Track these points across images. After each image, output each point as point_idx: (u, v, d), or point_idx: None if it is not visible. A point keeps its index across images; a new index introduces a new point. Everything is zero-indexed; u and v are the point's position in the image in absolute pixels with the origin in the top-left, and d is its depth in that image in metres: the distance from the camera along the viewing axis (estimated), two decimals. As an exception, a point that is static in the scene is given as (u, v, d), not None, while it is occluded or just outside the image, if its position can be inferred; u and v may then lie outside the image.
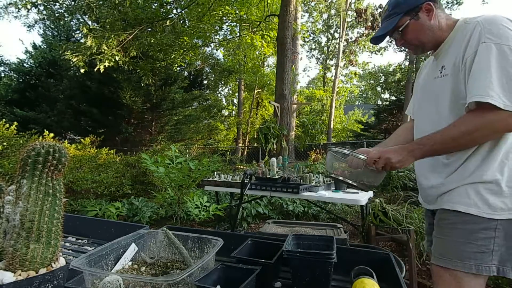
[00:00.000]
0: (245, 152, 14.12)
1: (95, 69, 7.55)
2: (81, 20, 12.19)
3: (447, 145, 0.97)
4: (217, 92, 19.45)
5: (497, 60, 0.89)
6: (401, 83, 14.66)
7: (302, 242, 0.74)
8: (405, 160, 1.00)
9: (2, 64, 17.39)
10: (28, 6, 7.74)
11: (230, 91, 21.23)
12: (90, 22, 9.60)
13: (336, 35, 20.11)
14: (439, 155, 1.04)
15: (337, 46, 17.74)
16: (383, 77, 18.48)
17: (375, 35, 1.16)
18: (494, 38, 0.90)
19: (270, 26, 10.12)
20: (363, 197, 2.52)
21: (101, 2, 8.07)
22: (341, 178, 1.15)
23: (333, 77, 17.63)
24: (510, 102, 0.86)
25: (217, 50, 15.77)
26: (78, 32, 14.31)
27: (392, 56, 65.72)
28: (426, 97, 1.15)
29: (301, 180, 2.78)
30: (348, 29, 18.52)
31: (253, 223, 4.47)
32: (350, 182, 1.12)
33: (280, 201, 4.78)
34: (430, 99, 1.11)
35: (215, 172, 3.56)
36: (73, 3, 8.77)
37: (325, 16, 20.47)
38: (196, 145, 11.33)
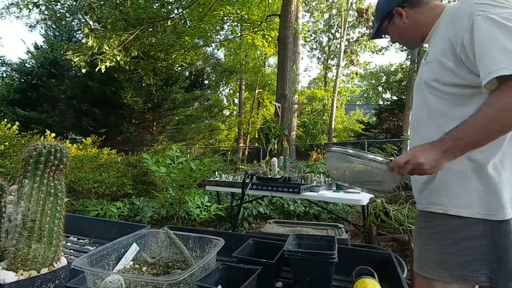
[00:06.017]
0: (246, 152, 14.12)
1: (97, 69, 7.55)
2: (83, 20, 12.22)
3: (489, 129, 0.79)
4: (218, 92, 19.44)
5: (500, 28, 0.79)
6: (403, 83, 14.62)
7: (303, 242, 0.74)
8: (439, 165, 0.85)
9: (4, 64, 17.45)
10: (30, 6, 7.76)
11: (231, 91, 21.22)
12: (91, 22, 9.61)
13: (337, 35, 20.09)
14: (475, 148, 0.85)
15: (338, 46, 17.71)
16: (385, 77, 18.43)
17: (370, 35, 1.18)
18: (487, 9, 0.82)
19: (271, 26, 10.10)
20: (364, 197, 2.52)
21: (102, 2, 8.08)
22: (347, 184, 1.04)
23: (334, 77, 17.59)
24: None
25: (218, 50, 15.80)
26: (79, 32, 14.34)
27: (393, 55, 66.21)
28: (416, 87, 1.10)
29: (302, 180, 2.78)
30: (349, 29, 18.48)
31: (254, 223, 4.47)
32: (360, 188, 1.02)
33: (281, 201, 4.78)
34: (418, 88, 1.06)
35: (216, 172, 3.56)
36: (74, 3, 8.79)
37: (326, 16, 20.45)
38: (197, 145, 11.33)
